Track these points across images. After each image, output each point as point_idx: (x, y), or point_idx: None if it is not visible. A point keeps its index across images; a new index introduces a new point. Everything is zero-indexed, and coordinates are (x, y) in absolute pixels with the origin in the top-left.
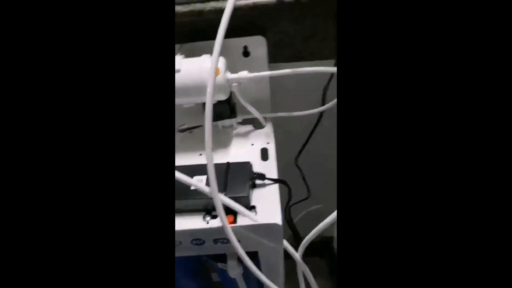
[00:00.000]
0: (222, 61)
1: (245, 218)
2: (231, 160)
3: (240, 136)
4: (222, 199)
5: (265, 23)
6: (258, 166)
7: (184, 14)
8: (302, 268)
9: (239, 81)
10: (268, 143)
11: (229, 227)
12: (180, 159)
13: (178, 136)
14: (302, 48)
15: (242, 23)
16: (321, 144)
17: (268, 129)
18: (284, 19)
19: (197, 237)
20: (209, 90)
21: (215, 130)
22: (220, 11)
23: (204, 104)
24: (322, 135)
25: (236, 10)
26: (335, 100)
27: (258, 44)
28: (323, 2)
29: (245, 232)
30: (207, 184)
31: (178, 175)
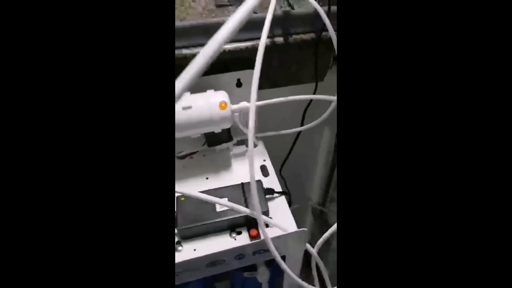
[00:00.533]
0: (225, 95)
1: (272, 229)
2: (235, 180)
3: (238, 157)
4: (262, 217)
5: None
6: (263, 182)
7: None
8: (318, 262)
9: (240, 111)
10: (264, 160)
11: (269, 239)
12: (189, 185)
13: (180, 163)
14: (282, 76)
15: (234, 60)
16: (300, 156)
17: (261, 147)
18: (271, 55)
19: (240, 252)
20: (251, 117)
21: (213, 153)
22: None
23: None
24: (301, 148)
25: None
26: (315, 121)
27: (249, 76)
28: (308, 43)
29: (277, 241)
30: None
31: (214, 199)
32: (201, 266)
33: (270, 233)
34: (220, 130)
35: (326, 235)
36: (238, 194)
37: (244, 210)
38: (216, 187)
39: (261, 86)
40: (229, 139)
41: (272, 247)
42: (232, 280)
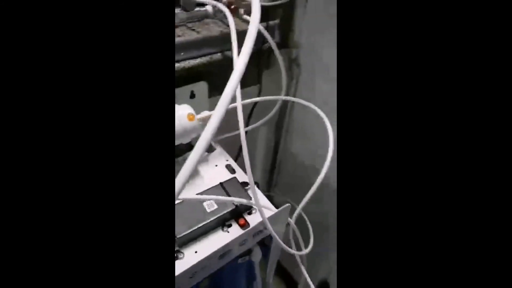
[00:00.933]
0: (189, 107)
1: (256, 215)
2: (208, 183)
3: (202, 163)
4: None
5: (205, 73)
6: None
7: None
8: (295, 230)
9: (205, 120)
10: (227, 160)
11: (267, 220)
12: None
13: None
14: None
15: (188, 75)
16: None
17: (219, 149)
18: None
19: (245, 238)
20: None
21: (177, 165)
22: None
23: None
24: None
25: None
26: (258, 122)
27: (201, 88)
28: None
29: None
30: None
31: (216, 197)
32: (214, 261)
33: (256, 218)
34: (189, 140)
35: (303, 204)
36: (222, 192)
37: (246, 202)
38: (187, 194)
39: (210, 96)
40: (191, 148)
41: (269, 225)
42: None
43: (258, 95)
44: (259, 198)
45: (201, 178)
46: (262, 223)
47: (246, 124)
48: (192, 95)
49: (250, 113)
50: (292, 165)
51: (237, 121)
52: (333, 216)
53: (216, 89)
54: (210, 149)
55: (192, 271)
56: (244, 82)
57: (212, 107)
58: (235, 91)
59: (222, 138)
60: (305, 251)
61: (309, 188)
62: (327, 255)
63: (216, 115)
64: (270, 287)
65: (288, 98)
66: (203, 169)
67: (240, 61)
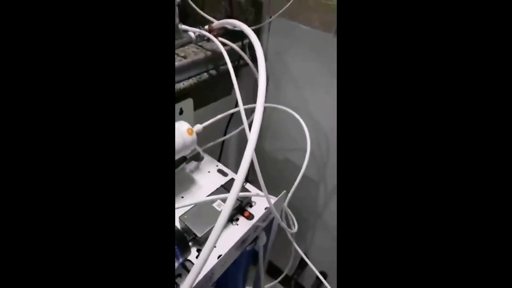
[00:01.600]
0: (186, 123)
1: (256, 206)
2: (206, 189)
3: (196, 171)
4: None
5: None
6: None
7: None
8: (286, 210)
9: (199, 133)
10: (217, 165)
11: (273, 206)
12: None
13: None
14: (209, 98)
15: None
16: (227, 155)
17: (207, 157)
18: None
19: (258, 224)
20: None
21: (176, 173)
22: None
23: None
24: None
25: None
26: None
27: (188, 104)
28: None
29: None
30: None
31: (225, 195)
32: (231, 251)
33: (263, 204)
34: (189, 152)
35: (294, 188)
36: (225, 192)
37: (255, 194)
38: (194, 200)
39: (195, 109)
40: (184, 159)
41: (275, 211)
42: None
43: (235, 105)
44: (258, 191)
45: (200, 185)
46: (267, 210)
47: (225, 132)
48: (181, 111)
49: (228, 122)
50: (267, 162)
51: (215, 131)
52: (312, 200)
53: (199, 103)
54: (199, 158)
55: (220, 264)
56: (218, 95)
57: (196, 119)
58: (251, 158)
59: (207, 147)
60: (295, 230)
61: (283, 180)
62: (308, 233)
63: (237, 184)
64: (266, 265)
65: (273, 105)
66: (198, 177)
67: (252, 137)
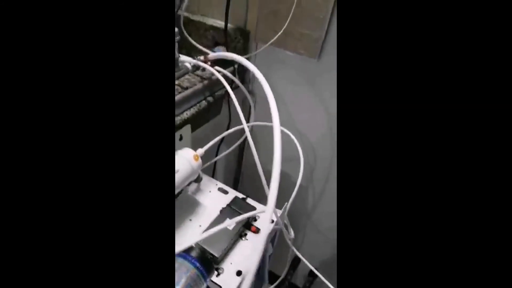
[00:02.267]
0: (190, 149)
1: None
2: (211, 209)
3: (197, 192)
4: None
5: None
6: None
7: None
8: (286, 220)
9: (202, 157)
10: (216, 184)
11: (279, 218)
12: (185, 232)
13: None
14: (203, 120)
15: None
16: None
17: (206, 177)
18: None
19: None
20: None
21: (176, 201)
22: None
23: None
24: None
25: None
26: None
27: (187, 130)
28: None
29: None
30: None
31: (238, 218)
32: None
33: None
34: (195, 178)
35: (291, 201)
36: (232, 210)
37: (263, 210)
38: (203, 222)
39: (193, 130)
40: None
41: (280, 221)
42: None
43: (228, 126)
44: (261, 205)
45: (204, 206)
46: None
47: (217, 152)
48: (181, 138)
49: (220, 142)
50: (254, 174)
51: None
52: (302, 202)
53: (194, 126)
54: (198, 179)
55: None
56: (210, 116)
57: (194, 143)
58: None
59: (203, 167)
60: (292, 235)
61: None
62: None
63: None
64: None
65: (266, 123)
66: (201, 198)
67: (272, 193)
